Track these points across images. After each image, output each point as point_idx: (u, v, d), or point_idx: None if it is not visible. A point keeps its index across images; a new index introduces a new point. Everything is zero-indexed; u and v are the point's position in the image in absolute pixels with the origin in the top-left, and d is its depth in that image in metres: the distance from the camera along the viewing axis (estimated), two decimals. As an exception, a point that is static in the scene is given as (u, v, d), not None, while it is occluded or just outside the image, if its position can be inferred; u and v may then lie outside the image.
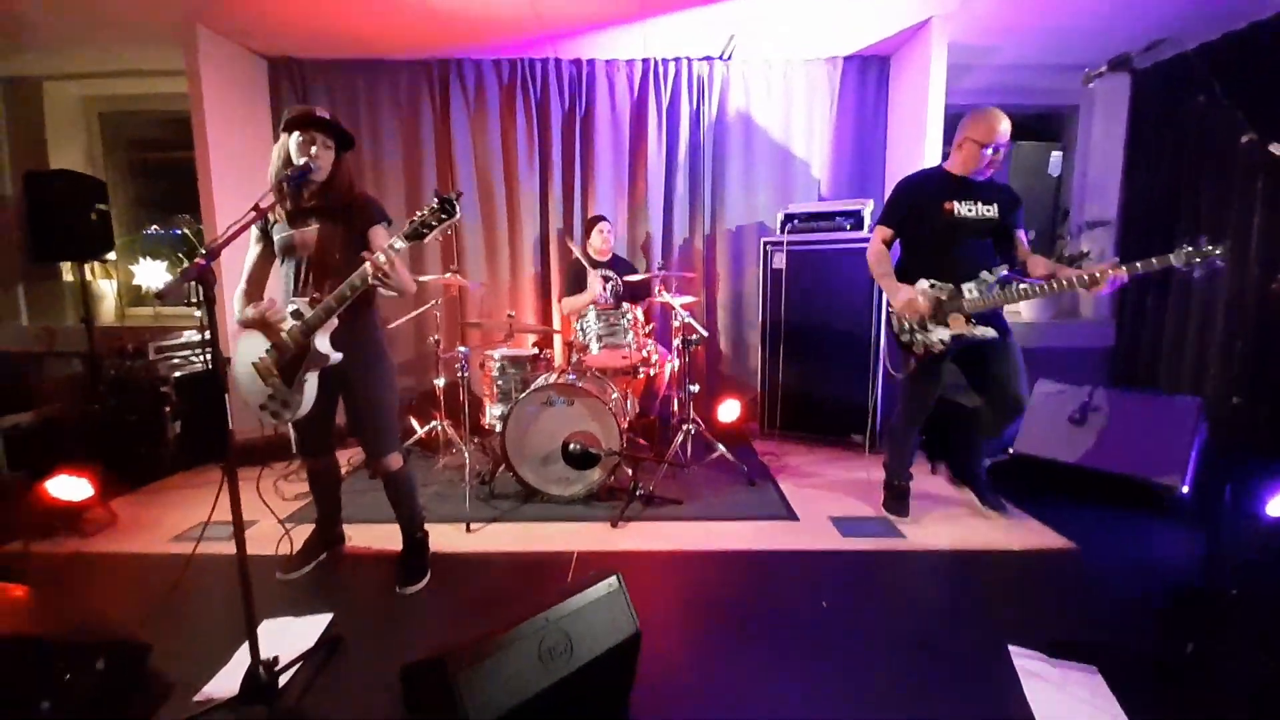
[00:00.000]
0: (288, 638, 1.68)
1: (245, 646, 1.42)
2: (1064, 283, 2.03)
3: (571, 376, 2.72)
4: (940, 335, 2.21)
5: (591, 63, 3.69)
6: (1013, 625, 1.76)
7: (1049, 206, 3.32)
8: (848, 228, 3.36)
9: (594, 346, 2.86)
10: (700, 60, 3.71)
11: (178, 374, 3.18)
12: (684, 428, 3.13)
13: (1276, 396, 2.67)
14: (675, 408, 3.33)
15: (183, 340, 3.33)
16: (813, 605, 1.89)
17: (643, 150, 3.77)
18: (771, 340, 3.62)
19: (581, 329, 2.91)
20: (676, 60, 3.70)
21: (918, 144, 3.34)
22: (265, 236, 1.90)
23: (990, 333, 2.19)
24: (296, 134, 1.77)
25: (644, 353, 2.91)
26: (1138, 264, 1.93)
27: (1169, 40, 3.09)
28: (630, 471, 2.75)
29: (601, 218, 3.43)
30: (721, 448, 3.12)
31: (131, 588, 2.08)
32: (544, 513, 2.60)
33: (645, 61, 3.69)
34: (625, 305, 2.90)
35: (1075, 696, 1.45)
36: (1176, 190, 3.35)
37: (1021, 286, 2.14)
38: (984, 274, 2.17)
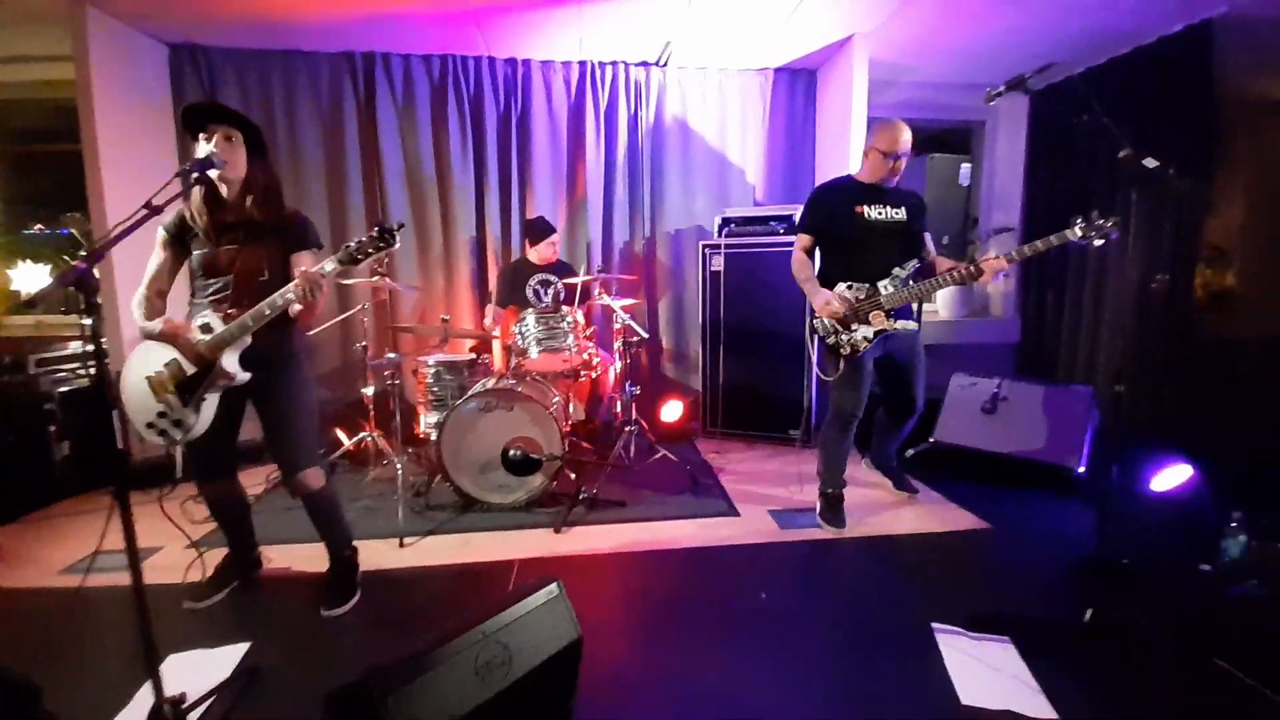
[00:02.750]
0: (199, 671, 1.55)
1: (149, 684, 1.30)
2: (954, 275, 2.24)
3: (511, 381, 2.67)
4: (864, 333, 2.31)
5: (527, 63, 3.64)
6: (936, 603, 1.88)
7: (960, 214, 3.59)
8: (781, 231, 3.48)
9: (533, 350, 2.82)
10: (637, 65, 3.74)
11: (64, 389, 2.87)
12: (627, 430, 3.13)
13: (1155, 384, 2.98)
14: (618, 410, 3.33)
15: (69, 351, 3.01)
16: (753, 598, 1.94)
17: (581, 153, 3.75)
18: (711, 341, 3.69)
19: (521, 333, 2.85)
20: (614, 64, 3.71)
21: (843, 152, 3.51)
22: (176, 243, 1.75)
23: (911, 325, 2.33)
24: (201, 136, 1.66)
25: (585, 355, 2.89)
26: (1025, 248, 2.11)
27: (1059, 64, 3.39)
28: (573, 476, 2.73)
29: (551, 228, 3.37)
30: (664, 449, 3.15)
31: (18, 625, 1.86)
32: (483, 522, 2.53)
33: (582, 64, 3.68)
34: (565, 309, 2.87)
35: (990, 666, 1.57)
36: (1070, 199, 3.69)
37: (926, 281, 2.31)
38: (896, 270, 2.30)
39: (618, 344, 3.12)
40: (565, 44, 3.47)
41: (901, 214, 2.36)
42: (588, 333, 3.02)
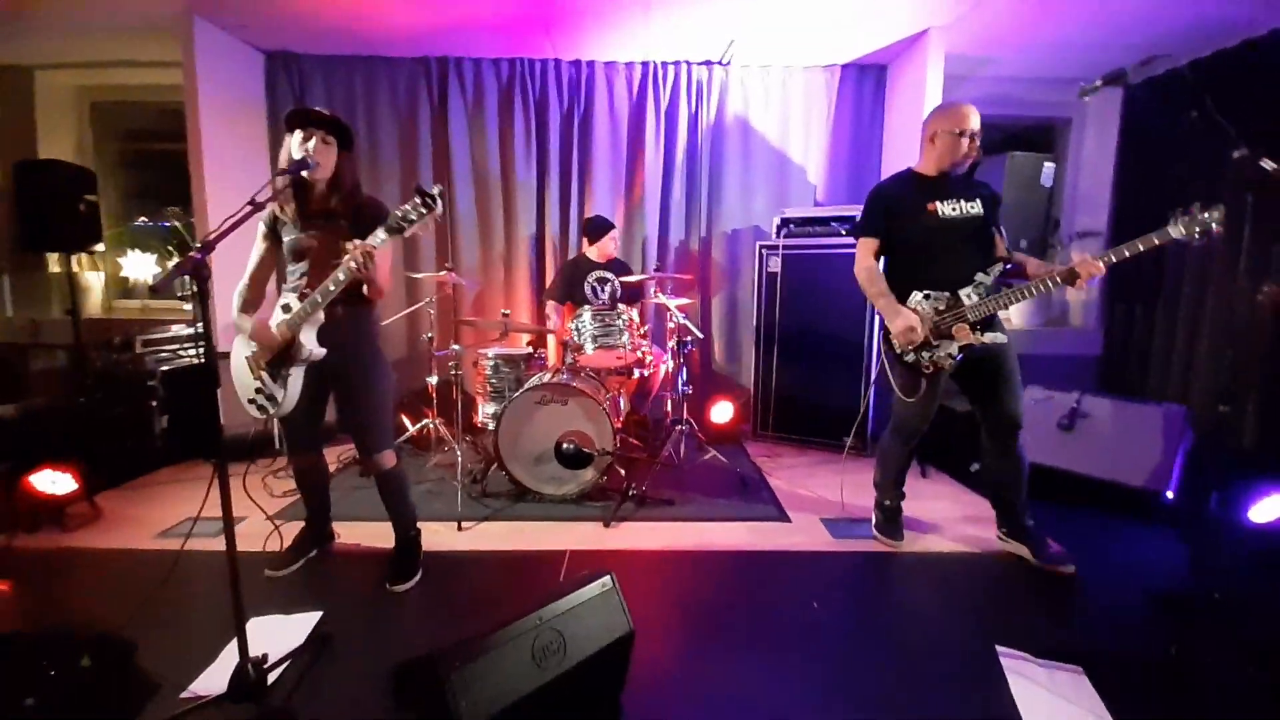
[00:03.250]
0: (276, 635, 1.66)
1: (233, 644, 1.41)
2: (1048, 283, 1.93)
3: (565, 376, 2.72)
4: (948, 350, 2.01)
5: (591, 64, 3.69)
6: (1001, 627, 1.78)
7: (1040, 217, 3.37)
8: (843, 233, 3.39)
9: (589, 346, 2.86)
10: (699, 64, 3.73)
11: (165, 368, 3.14)
12: (677, 429, 3.14)
13: (1262, 405, 2.72)
14: (669, 408, 3.33)
15: (171, 334, 3.29)
16: (804, 606, 1.90)
17: (640, 152, 3.78)
18: (765, 343, 3.64)
19: (577, 329, 2.90)
20: (676, 64, 3.71)
21: (913, 151, 3.36)
22: (272, 236, 1.90)
23: (1000, 338, 2.01)
24: (298, 132, 1.78)
25: (639, 353, 2.91)
26: (1124, 249, 1.85)
27: (1162, 57, 3.14)
28: (623, 472, 2.75)
29: (610, 224, 3.39)
30: (713, 450, 3.13)
31: (116, 583, 2.05)
32: (536, 512, 2.59)
33: (645, 64, 3.70)
34: (621, 306, 2.90)
35: (1061, 696, 1.47)
36: (1165, 203, 3.38)
37: (1016, 287, 1.99)
38: (980, 276, 2.01)
39: (671, 343, 3.12)
40: (629, 45, 3.50)
41: (977, 207, 2.06)
42: (642, 330, 3.03)
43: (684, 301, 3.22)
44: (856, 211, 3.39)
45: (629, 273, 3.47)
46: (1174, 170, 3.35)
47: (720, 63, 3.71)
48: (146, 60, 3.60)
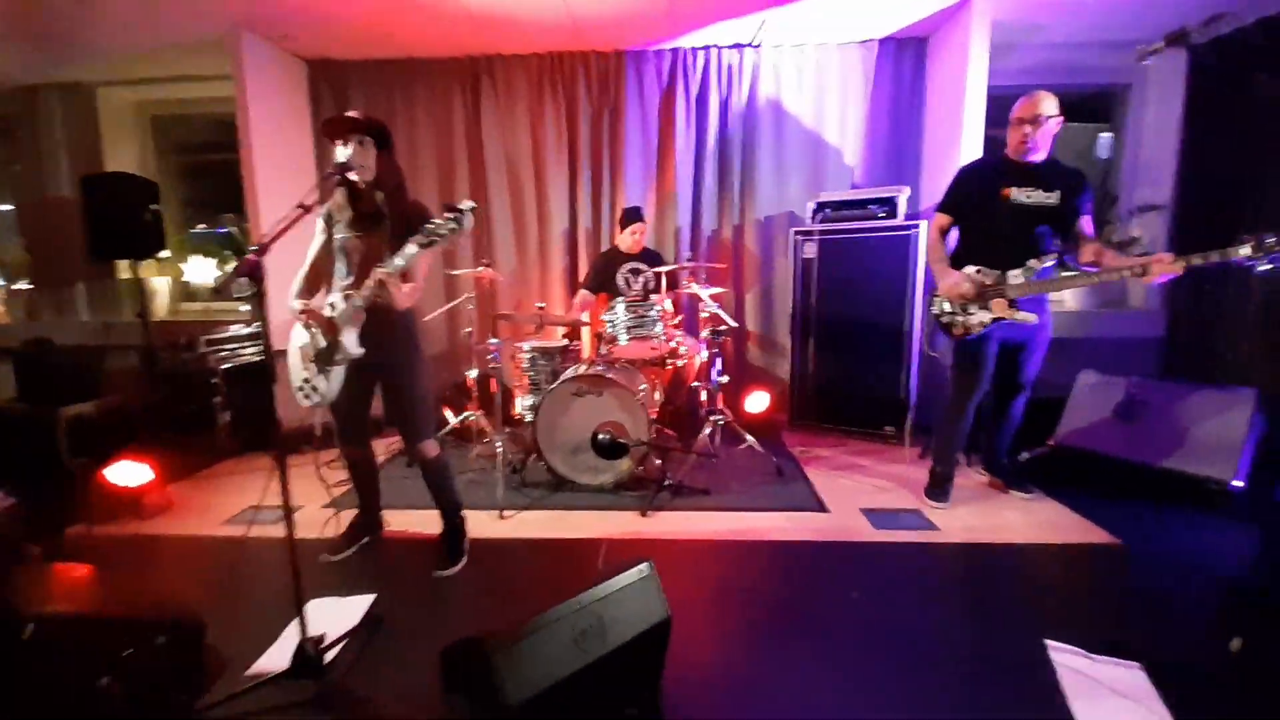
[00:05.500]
0: (333, 616, 1.76)
1: (294, 624, 1.50)
2: (1111, 273, 2.02)
3: (600, 368, 2.75)
4: (979, 318, 2.25)
5: (620, 55, 3.68)
6: (1051, 621, 1.72)
7: (1096, 191, 3.20)
8: (881, 215, 3.29)
9: (623, 338, 2.88)
10: (729, 48, 3.66)
11: (226, 366, 3.33)
12: (712, 419, 3.13)
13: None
14: (703, 398, 3.33)
15: (230, 334, 3.48)
16: (843, 597, 1.88)
17: (671, 141, 3.75)
18: (801, 331, 3.59)
19: (611, 320, 2.93)
20: (706, 49, 3.66)
21: (956, 128, 3.23)
22: (329, 230, 1.98)
23: (1031, 317, 2.20)
24: (338, 142, 1.83)
25: (672, 344, 2.91)
26: (1196, 258, 1.87)
27: (1229, 15, 2.91)
28: (659, 462, 2.77)
29: (638, 216, 3.39)
30: (750, 439, 3.11)
31: (188, 568, 2.20)
32: (574, 501, 2.65)
33: (674, 52, 3.67)
34: (654, 297, 2.91)
35: (1116, 693, 1.41)
36: (1238, 173, 3.16)
37: (1066, 274, 2.14)
38: (1031, 261, 2.18)
39: (705, 332, 3.11)
40: (658, 34, 3.46)
41: (1054, 198, 2.19)
42: (675, 321, 3.03)
43: (717, 291, 3.19)
44: (896, 193, 3.29)
45: (662, 263, 3.46)
46: (1246, 137, 3.11)
47: (751, 45, 3.63)
48: (199, 75, 3.79)
